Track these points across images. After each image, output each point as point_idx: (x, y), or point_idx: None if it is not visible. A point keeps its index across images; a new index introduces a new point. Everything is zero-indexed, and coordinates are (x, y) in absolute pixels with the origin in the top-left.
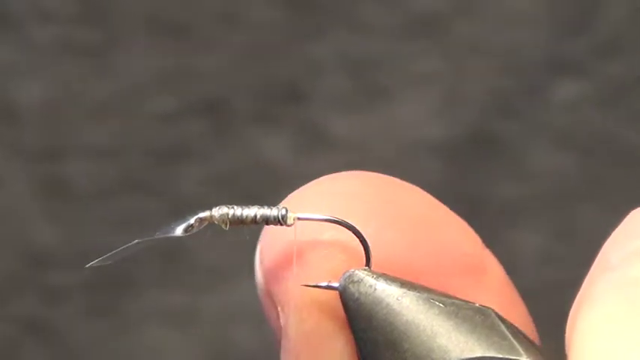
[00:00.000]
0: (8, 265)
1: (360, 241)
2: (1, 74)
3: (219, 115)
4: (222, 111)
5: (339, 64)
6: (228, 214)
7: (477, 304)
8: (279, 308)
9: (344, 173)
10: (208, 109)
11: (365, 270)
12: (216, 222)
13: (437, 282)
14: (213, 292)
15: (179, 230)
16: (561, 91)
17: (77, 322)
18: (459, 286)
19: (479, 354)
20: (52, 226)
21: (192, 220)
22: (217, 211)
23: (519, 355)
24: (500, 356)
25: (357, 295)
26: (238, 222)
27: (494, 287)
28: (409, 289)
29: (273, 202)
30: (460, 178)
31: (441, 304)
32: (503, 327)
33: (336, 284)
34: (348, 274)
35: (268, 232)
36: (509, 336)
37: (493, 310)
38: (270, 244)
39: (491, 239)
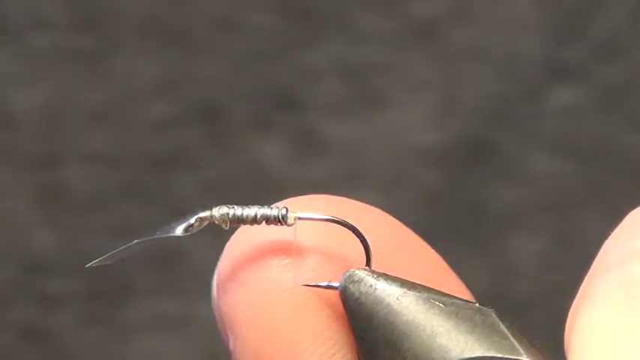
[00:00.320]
0: (5, 272)
1: (360, 241)
2: None
3: (215, 121)
4: (219, 117)
5: (335, 70)
6: (228, 214)
7: (477, 304)
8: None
9: (310, 196)
10: (205, 116)
11: (365, 270)
12: (216, 222)
13: None
14: (210, 300)
15: (179, 230)
16: (558, 96)
17: (74, 329)
18: None
19: (479, 354)
20: (49, 232)
21: (192, 220)
22: (217, 211)
23: (520, 354)
24: (501, 356)
25: (357, 294)
26: (238, 222)
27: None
28: (409, 289)
29: None
30: (457, 184)
31: (441, 304)
32: (503, 327)
33: (336, 284)
34: (348, 274)
35: (228, 245)
36: (510, 336)
37: (493, 310)
38: (226, 255)
39: (488, 246)
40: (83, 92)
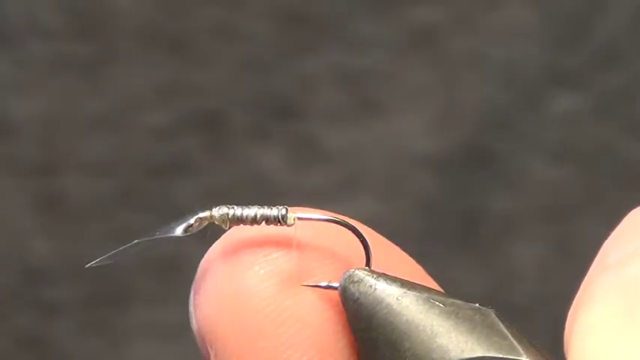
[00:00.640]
0: (4, 279)
1: (360, 241)
2: None
3: (214, 129)
4: (218, 125)
5: (334, 78)
6: (228, 214)
7: (477, 304)
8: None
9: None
10: (204, 124)
11: (365, 270)
12: (216, 222)
13: None
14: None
15: (179, 230)
16: (557, 103)
17: (73, 336)
18: None
19: (479, 354)
20: (47, 240)
21: (192, 220)
22: (217, 211)
23: (519, 355)
24: (501, 356)
25: (357, 295)
26: (238, 222)
27: None
28: (409, 289)
29: None
30: (456, 191)
31: (441, 304)
32: (503, 327)
33: (336, 284)
34: (348, 274)
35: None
36: (509, 336)
37: (493, 310)
38: (204, 265)
39: (488, 252)
40: (82, 100)
